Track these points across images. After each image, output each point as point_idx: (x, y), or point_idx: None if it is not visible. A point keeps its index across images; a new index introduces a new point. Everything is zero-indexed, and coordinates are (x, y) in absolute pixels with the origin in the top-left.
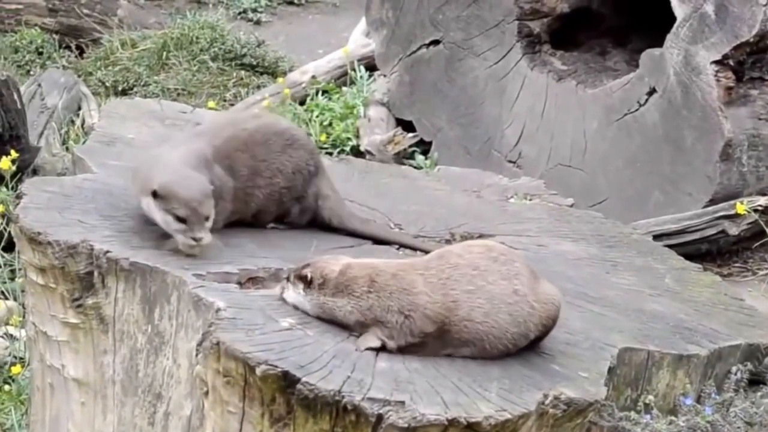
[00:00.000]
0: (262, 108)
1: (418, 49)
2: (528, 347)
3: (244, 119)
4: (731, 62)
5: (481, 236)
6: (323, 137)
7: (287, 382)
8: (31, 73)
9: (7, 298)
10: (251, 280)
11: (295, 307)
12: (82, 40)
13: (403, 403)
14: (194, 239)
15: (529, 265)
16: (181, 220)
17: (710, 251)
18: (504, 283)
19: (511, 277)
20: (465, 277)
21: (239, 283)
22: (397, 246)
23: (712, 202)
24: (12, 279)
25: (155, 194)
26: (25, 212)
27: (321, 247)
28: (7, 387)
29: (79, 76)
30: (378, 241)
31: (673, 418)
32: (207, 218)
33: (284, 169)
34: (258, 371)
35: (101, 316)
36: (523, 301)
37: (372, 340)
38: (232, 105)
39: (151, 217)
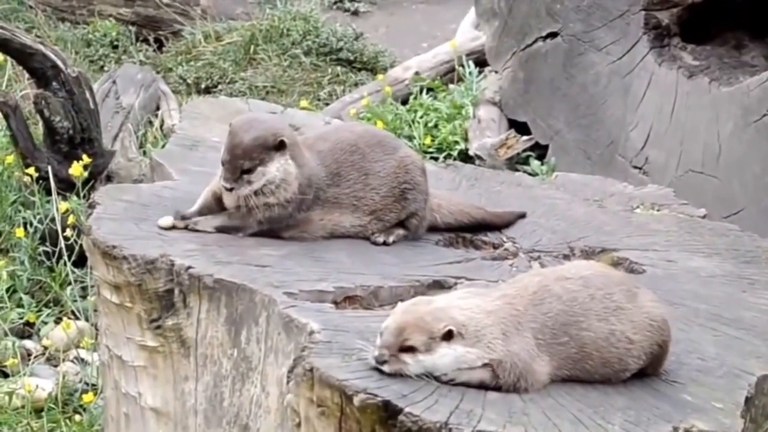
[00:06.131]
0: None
1: (534, 42)
2: (645, 372)
3: (348, 124)
4: None
5: (603, 251)
6: (428, 140)
7: (388, 412)
8: (105, 69)
9: (78, 319)
10: (348, 300)
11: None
12: (161, 32)
13: None
14: None
15: (627, 286)
16: None
17: None
18: (599, 326)
19: (608, 316)
20: (561, 327)
21: (335, 303)
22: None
23: None
24: (83, 297)
25: None
26: (99, 223)
27: (423, 263)
28: (78, 417)
29: (157, 73)
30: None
31: None
32: None
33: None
34: (356, 401)
35: (182, 338)
36: (619, 340)
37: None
38: (327, 104)
39: None
